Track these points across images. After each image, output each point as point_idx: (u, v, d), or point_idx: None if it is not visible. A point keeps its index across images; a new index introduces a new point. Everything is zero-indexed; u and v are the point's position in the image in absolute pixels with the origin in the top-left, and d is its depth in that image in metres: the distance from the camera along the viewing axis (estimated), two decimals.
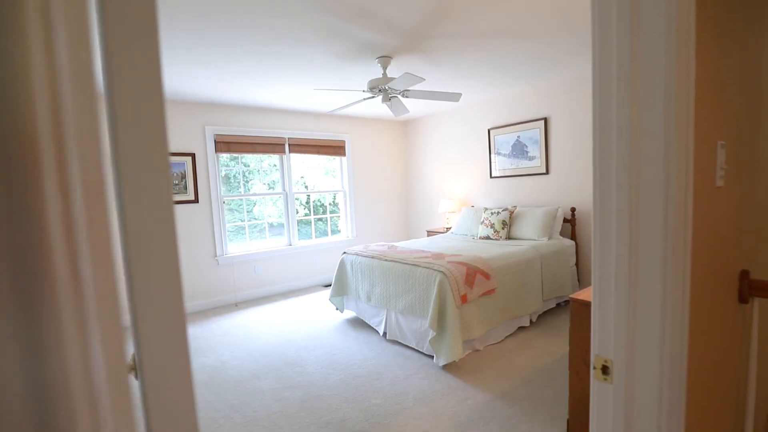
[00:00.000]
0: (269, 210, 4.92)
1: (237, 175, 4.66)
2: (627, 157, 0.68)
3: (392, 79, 2.88)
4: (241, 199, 4.69)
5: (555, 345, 2.90)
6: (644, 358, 0.71)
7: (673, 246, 0.66)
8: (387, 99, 3.06)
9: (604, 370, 0.77)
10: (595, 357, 0.78)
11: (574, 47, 2.95)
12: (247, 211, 4.81)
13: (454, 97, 3.10)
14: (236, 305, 4.36)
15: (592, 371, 0.79)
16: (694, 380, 0.82)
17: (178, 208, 4.07)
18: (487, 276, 2.83)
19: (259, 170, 4.85)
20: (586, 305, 1.73)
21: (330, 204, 5.47)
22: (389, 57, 2.98)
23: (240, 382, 2.59)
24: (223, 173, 4.54)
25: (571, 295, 1.77)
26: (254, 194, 4.77)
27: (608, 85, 0.69)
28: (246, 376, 2.66)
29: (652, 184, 0.66)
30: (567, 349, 2.83)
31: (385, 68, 3.03)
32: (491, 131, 4.67)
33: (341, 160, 5.39)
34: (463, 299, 2.63)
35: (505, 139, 4.53)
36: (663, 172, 0.65)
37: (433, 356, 2.75)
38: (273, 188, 4.88)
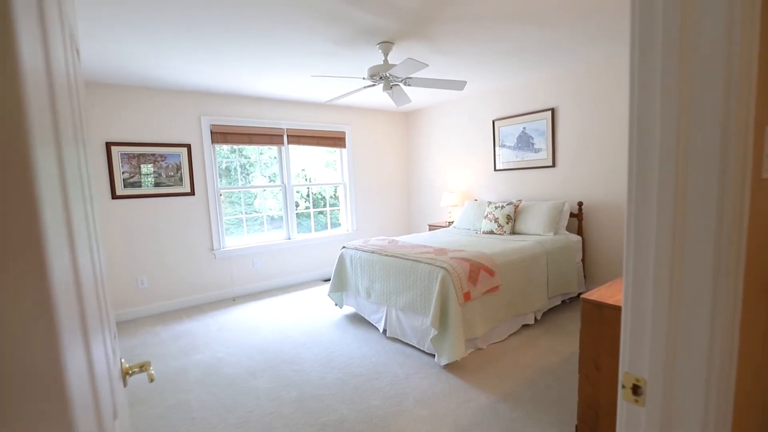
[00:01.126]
0: (270, 203, 4.82)
1: (237, 167, 4.54)
2: (673, 138, 0.57)
3: (394, 65, 2.75)
4: (241, 192, 4.59)
5: (561, 344, 2.80)
6: (686, 377, 0.60)
7: (728, 245, 0.55)
8: (388, 87, 2.93)
9: (635, 390, 0.66)
10: (624, 375, 0.68)
11: (585, 32, 2.81)
12: (248, 204, 4.71)
13: (459, 85, 2.97)
14: (234, 300, 4.28)
15: (620, 390, 0.68)
16: (736, 402, 0.71)
17: (174, 200, 3.97)
18: (491, 272, 2.72)
19: (259, 163, 4.73)
20: (598, 306, 1.62)
21: (331, 197, 5.36)
22: (391, 43, 2.84)
23: (235, 380, 2.51)
24: (224, 166, 4.43)
25: (582, 296, 1.66)
26: (251, 186, 4.66)
27: (651, 50, 0.57)
28: (241, 374, 2.58)
29: (704, 171, 0.55)
30: (573, 348, 2.74)
31: (386, 55, 2.90)
32: (496, 122, 4.53)
33: (341, 152, 5.26)
34: (466, 297, 2.53)
35: (510, 131, 4.40)
36: (719, 158, 0.53)
37: (434, 355, 2.65)
38: (274, 181, 4.77)
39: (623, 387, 0.68)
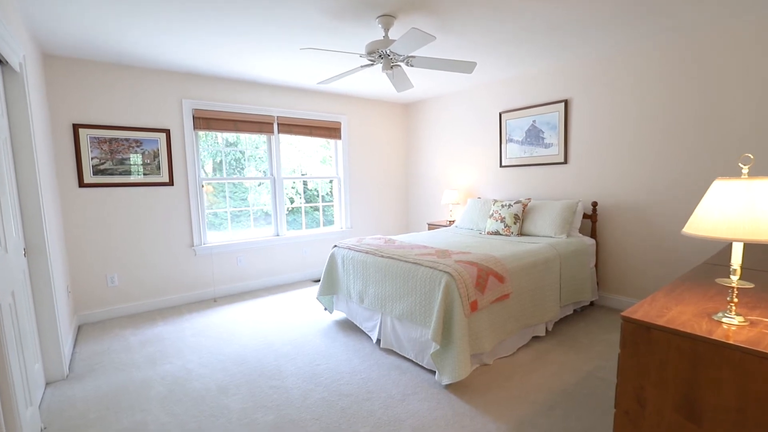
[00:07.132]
0: (264, 198, 4.45)
1: (229, 161, 4.18)
2: None
3: (394, 41, 2.41)
4: (234, 185, 4.24)
5: (576, 360, 2.48)
6: None
7: None
8: (388, 67, 2.59)
9: None
10: None
11: (606, 12, 2.48)
12: (242, 199, 4.35)
13: (467, 66, 2.63)
14: (215, 300, 3.93)
15: None
16: None
17: (150, 191, 3.61)
18: (501, 278, 2.40)
19: (255, 157, 4.37)
20: (645, 328, 1.30)
21: (327, 194, 5.00)
22: (392, 17, 2.51)
23: (204, 397, 2.17)
24: (218, 159, 4.09)
25: (622, 313, 1.34)
26: (237, 178, 4.29)
27: None
28: (212, 390, 2.24)
29: None
30: (590, 365, 2.42)
31: (387, 30, 2.56)
32: (503, 115, 4.20)
33: (336, 144, 4.92)
34: (473, 306, 2.20)
35: (518, 124, 4.07)
36: None
37: (434, 371, 2.33)
38: (267, 175, 4.42)
39: None
